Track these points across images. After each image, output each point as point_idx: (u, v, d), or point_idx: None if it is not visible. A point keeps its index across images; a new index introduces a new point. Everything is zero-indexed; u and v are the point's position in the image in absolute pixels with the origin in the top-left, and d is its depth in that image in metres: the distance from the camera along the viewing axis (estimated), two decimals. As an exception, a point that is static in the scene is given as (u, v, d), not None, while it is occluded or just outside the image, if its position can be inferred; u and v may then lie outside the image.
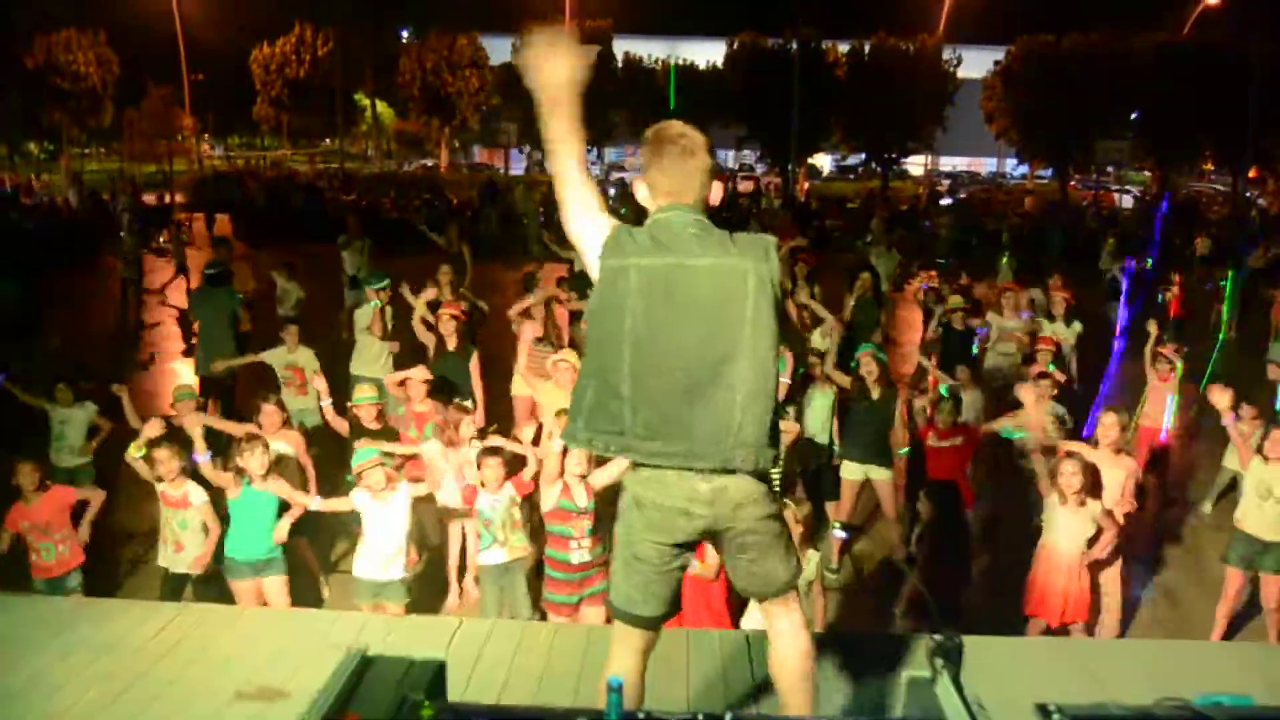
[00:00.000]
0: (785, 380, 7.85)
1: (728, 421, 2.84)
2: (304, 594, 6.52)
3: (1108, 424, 6.67)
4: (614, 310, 2.87)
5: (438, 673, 2.30)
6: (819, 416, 8.16)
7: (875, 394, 7.73)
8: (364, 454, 5.99)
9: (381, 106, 55.57)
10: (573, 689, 4.25)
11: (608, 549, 5.68)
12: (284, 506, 6.02)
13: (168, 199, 29.67)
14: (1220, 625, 6.72)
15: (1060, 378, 9.18)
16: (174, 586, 6.09)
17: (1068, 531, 6.01)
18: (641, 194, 3.08)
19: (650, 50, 40.75)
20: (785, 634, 3.19)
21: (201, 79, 46.48)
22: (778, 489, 3.00)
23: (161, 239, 26.36)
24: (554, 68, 3.05)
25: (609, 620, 3.49)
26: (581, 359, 2.97)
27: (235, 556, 5.95)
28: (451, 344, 8.60)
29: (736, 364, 2.84)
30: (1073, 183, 42.06)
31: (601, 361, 2.91)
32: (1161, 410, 9.01)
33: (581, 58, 3.07)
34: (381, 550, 5.91)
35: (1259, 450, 6.57)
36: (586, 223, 2.99)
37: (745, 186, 40.32)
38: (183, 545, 6.09)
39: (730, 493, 2.92)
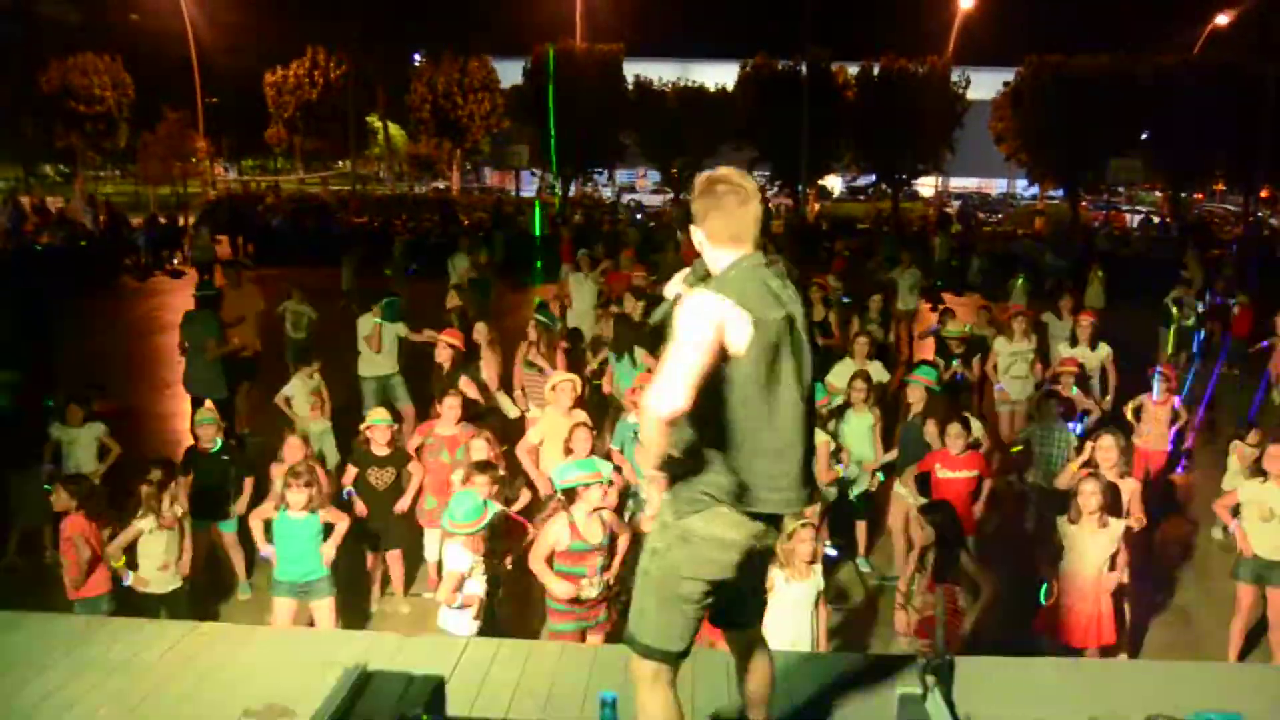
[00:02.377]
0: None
1: (809, 468, 3.05)
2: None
3: (1105, 447, 6.70)
4: (757, 365, 2.91)
5: (437, 690, 2.35)
6: (860, 438, 8.18)
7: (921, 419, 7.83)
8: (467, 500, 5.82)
9: (393, 129, 55.90)
10: (578, 710, 4.27)
11: (616, 580, 5.72)
12: (329, 528, 6.12)
13: (181, 221, 29.88)
14: (1236, 641, 6.71)
15: (1086, 403, 9.21)
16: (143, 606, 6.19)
17: (1088, 552, 6.00)
18: (698, 238, 3.12)
19: (661, 73, 40.90)
20: (763, 657, 3.45)
21: (216, 102, 46.92)
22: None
23: (175, 260, 26.63)
24: None
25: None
26: (726, 424, 2.94)
27: (278, 577, 6.05)
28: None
29: (813, 411, 3.07)
30: (1084, 203, 42.00)
31: (736, 415, 2.95)
32: (1158, 432, 8.98)
33: None
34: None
35: (1257, 471, 6.58)
36: (708, 345, 2.84)
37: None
38: (169, 565, 6.23)
39: (772, 533, 3.14)
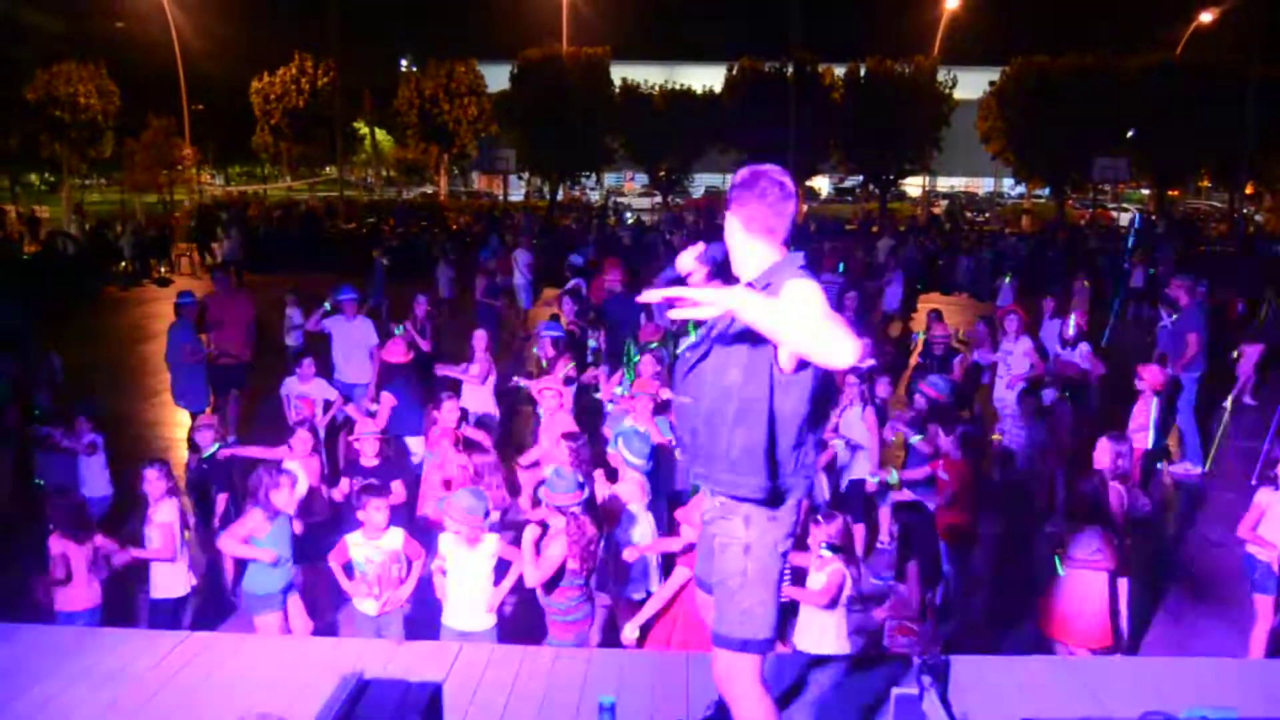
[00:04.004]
0: None
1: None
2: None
3: (1099, 450, 6.73)
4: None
5: (433, 697, 2.34)
6: (851, 426, 8.18)
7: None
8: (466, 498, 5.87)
9: (380, 135, 55.82)
10: (574, 714, 4.27)
11: (573, 606, 5.69)
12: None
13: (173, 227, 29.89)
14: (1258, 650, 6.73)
15: None
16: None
17: (1083, 553, 6.01)
18: (733, 227, 3.18)
19: (647, 76, 40.95)
20: None
21: (201, 109, 46.78)
22: None
23: (162, 269, 26.55)
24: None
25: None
26: (786, 413, 3.06)
27: (254, 590, 5.87)
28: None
29: None
30: (1070, 201, 42.17)
31: (813, 410, 3.11)
32: (1142, 423, 9.00)
33: None
34: (467, 599, 5.79)
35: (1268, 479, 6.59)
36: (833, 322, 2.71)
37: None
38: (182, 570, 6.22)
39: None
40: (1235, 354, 12.28)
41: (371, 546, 5.86)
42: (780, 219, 3.09)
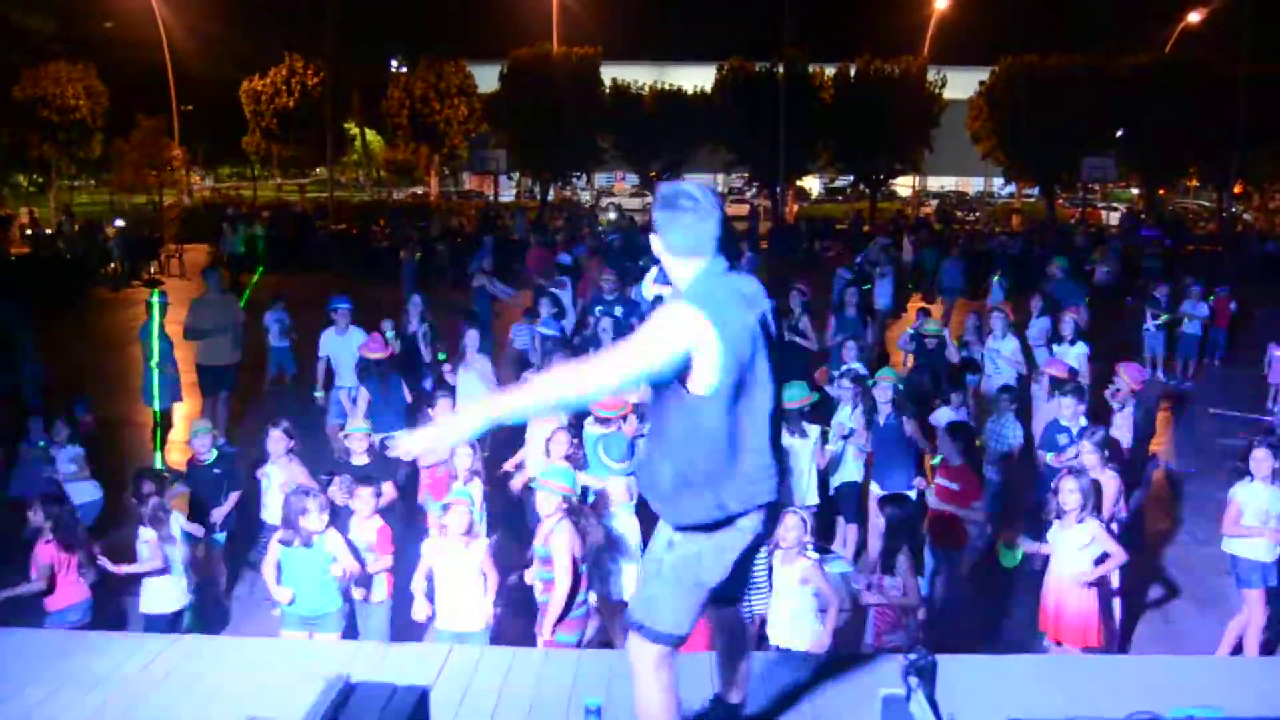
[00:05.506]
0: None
1: (782, 458, 3.29)
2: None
3: (1085, 449, 6.77)
4: (737, 370, 3.04)
5: (420, 700, 2.34)
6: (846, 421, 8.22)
7: (892, 417, 7.86)
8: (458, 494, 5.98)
9: (371, 135, 55.68)
10: (563, 717, 4.26)
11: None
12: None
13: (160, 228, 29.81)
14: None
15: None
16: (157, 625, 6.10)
17: (1067, 550, 6.04)
18: (657, 248, 3.24)
19: (637, 76, 40.95)
20: (742, 635, 3.69)
21: (191, 110, 46.62)
22: None
23: (151, 269, 26.47)
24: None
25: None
26: (717, 436, 3.08)
27: (288, 610, 5.86)
28: None
29: (776, 405, 3.22)
30: (1059, 200, 42.29)
31: (724, 421, 3.08)
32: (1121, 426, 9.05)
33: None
34: (460, 601, 5.81)
35: (1243, 473, 6.63)
36: (670, 344, 2.99)
37: (738, 210, 40.47)
38: (178, 583, 6.16)
39: (763, 525, 3.27)
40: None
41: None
42: (702, 238, 3.12)
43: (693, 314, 2.97)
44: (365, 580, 6.09)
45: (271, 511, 6.88)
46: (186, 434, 8.37)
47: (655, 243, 3.23)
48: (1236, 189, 42.81)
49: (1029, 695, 4.37)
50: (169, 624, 6.18)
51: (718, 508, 3.11)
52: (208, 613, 6.97)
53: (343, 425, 9.71)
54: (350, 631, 6.02)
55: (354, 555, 5.89)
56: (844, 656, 5.38)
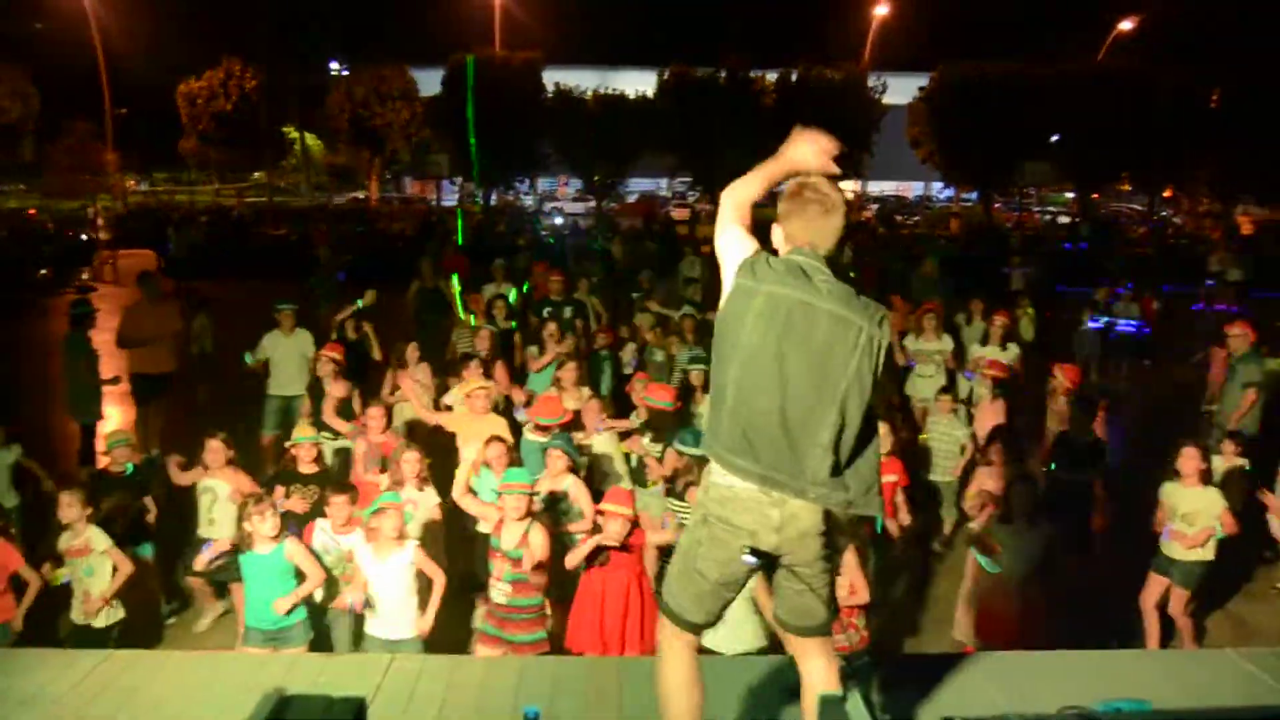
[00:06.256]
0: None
1: (808, 459, 3.03)
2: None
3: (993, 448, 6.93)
4: (735, 324, 3.08)
5: (358, 711, 2.31)
6: None
7: None
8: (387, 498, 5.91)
9: (310, 139, 55.07)
10: (505, 723, 4.26)
11: (541, 604, 5.70)
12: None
13: (95, 235, 29.15)
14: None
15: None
16: (88, 642, 5.90)
17: (1010, 551, 6.12)
18: (777, 239, 3.27)
19: (580, 81, 40.96)
20: (818, 674, 3.33)
21: (125, 113, 45.77)
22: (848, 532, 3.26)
23: (85, 275, 25.92)
24: (809, 155, 3.35)
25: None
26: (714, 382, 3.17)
27: (250, 624, 5.72)
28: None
29: (828, 411, 3.02)
30: (997, 205, 43.01)
31: (717, 369, 3.14)
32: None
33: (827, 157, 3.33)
34: (392, 607, 5.74)
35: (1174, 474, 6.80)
36: (737, 239, 3.25)
37: (680, 214, 40.61)
38: (91, 594, 5.98)
39: (801, 521, 3.09)
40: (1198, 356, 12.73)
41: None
42: (823, 233, 3.23)
43: (742, 253, 3.17)
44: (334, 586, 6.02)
45: (219, 526, 6.74)
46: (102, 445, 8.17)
47: (775, 232, 3.27)
48: (1166, 193, 43.88)
49: (964, 693, 4.44)
50: (98, 638, 6.04)
51: (706, 443, 3.20)
52: (140, 626, 6.83)
53: (278, 436, 9.64)
54: (319, 643, 5.92)
55: (318, 564, 5.82)
56: (781, 659, 5.42)
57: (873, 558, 7.10)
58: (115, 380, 10.31)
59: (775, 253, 3.22)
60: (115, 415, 10.95)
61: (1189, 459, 6.70)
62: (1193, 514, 6.66)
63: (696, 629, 3.30)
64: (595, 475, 7.48)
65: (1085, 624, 7.50)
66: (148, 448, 10.12)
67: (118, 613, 6.14)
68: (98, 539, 6.00)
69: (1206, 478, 6.76)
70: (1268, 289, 21.14)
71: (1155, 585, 6.92)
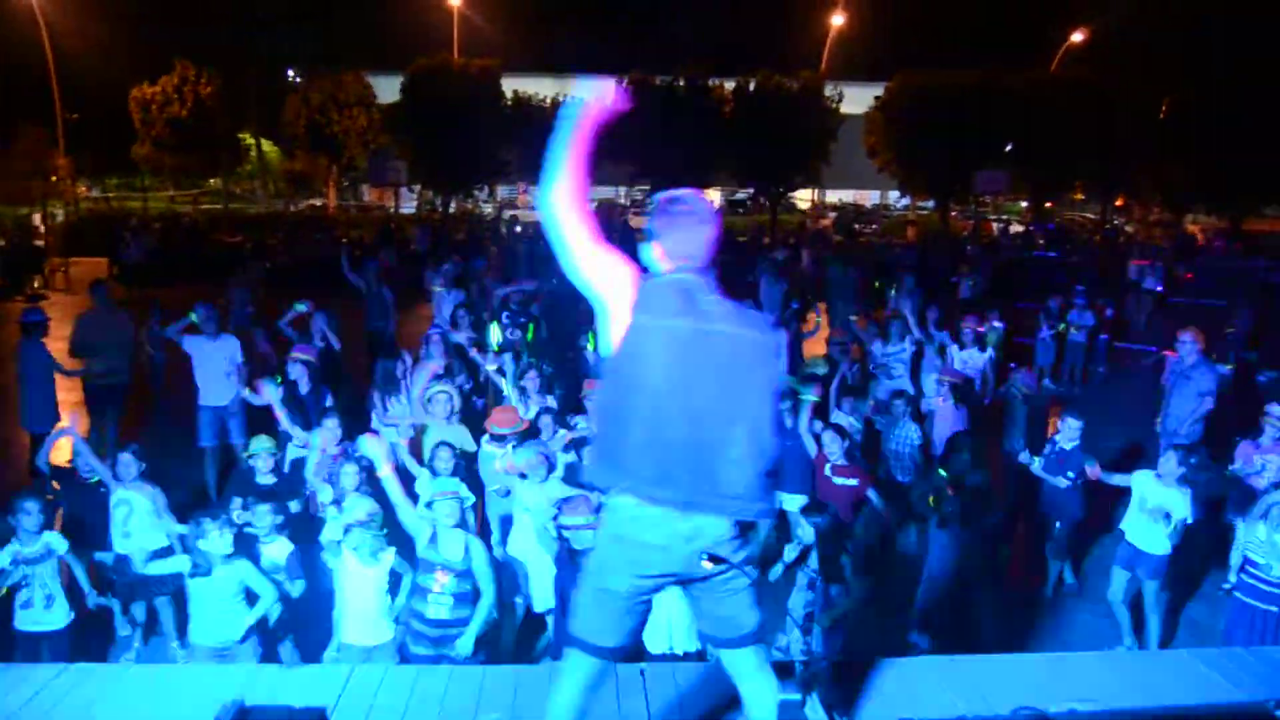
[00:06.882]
0: None
1: (725, 477, 3.09)
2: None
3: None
4: (638, 362, 3.10)
5: (319, 722, 2.31)
6: None
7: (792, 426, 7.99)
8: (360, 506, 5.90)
9: (267, 145, 54.50)
10: (466, 733, 4.25)
11: (472, 613, 5.69)
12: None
13: (41, 242, 28.67)
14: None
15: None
16: (35, 650, 5.87)
17: (952, 555, 6.23)
18: (653, 255, 3.27)
19: (539, 88, 40.89)
20: (757, 697, 3.34)
21: (77, 118, 45.03)
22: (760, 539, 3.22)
23: (35, 284, 25.50)
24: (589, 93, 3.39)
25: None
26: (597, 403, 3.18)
27: (194, 641, 5.66)
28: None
29: (738, 427, 3.09)
30: (953, 213, 43.46)
31: (619, 407, 3.13)
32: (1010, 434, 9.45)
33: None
34: (365, 613, 5.71)
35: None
36: (609, 266, 3.20)
37: (638, 222, 40.64)
38: (54, 599, 5.93)
39: (708, 533, 3.13)
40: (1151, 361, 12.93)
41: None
42: (699, 247, 3.25)
43: (631, 289, 3.11)
44: (285, 601, 5.98)
45: (134, 539, 6.65)
46: (67, 454, 8.04)
47: (650, 250, 3.26)
48: (1118, 202, 44.57)
49: (920, 695, 4.49)
50: (38, 643, 5.97)
51: (608, 481, 3.17)
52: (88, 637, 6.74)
53: (217, 446, 9.55)
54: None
55: (268, 580, 5.77)
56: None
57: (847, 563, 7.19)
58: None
59: (645, 270, 3.26)
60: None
61: (1170, 460, 6.96)
62: (1158, 510, 6.87)
63: (608, 654, 3.30)
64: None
65: (1046, 625, 7.67)
66: (103, 458, 9.99)
67: (60, 618, 6.09)
68: (56, 542, 5.96)
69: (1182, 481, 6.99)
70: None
71: (1120, 579, 7.11)
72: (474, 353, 10.26)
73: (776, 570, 6.19)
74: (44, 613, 5.96)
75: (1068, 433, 8.05)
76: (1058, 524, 8.07)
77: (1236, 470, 7.95)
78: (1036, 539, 8.84)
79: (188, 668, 5.62)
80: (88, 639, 6.44)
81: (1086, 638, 7.37)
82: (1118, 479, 7.31)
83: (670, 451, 3.07)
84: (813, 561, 5.96)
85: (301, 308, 10.90)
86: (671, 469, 3.08)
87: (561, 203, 3.26)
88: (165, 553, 6.50)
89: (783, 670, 4.24)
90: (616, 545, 3.20)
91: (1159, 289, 20.60)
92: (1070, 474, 7.89)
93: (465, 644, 5.52)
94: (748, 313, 3.24)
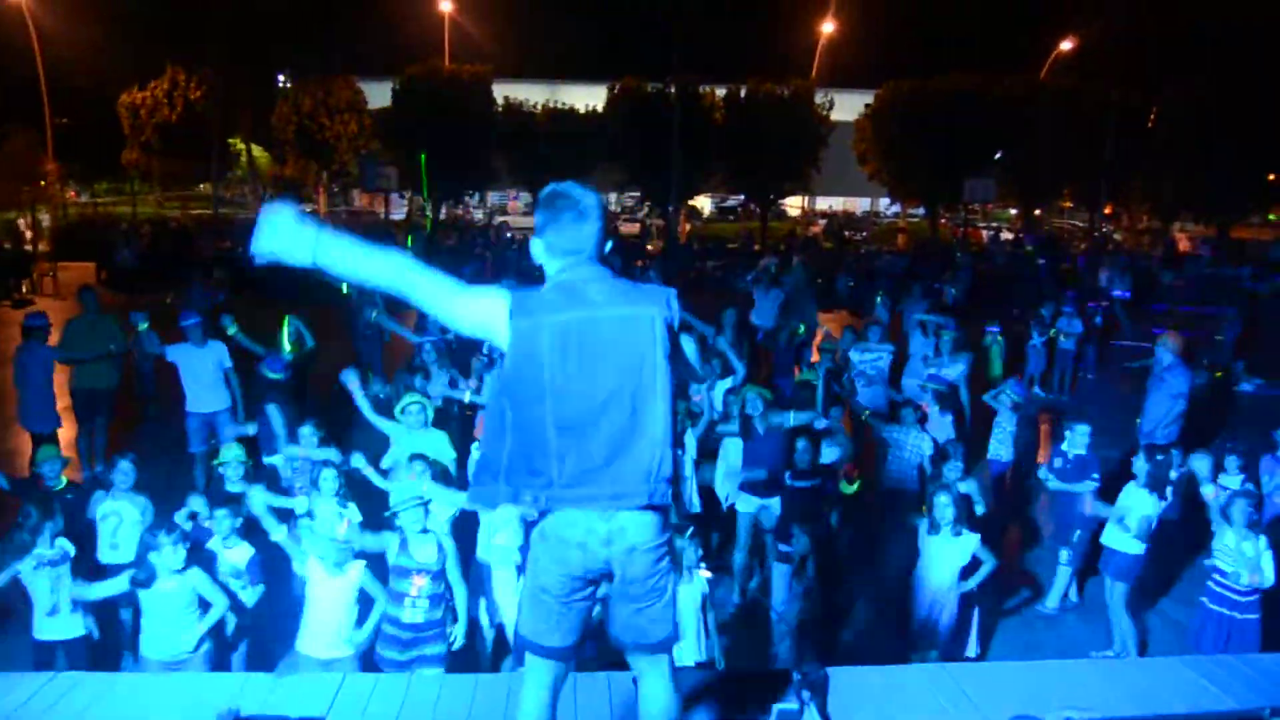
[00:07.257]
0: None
1: (649, 462, 3.02)
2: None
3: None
4: (530, 367, 3.00)
5: (316, 731, 2.31)
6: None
7: (760, 432, 7.96)
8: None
9: (257, 151, 54.39)
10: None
11: (447, 613, 5.70)
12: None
13: (30, 247, 28.53)
14: None
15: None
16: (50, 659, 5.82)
17: (939, 561, 6.24)
18: (537, 250, 3.20)
19: (530, 95, 40.93)
20: (655, 693, 3.32)
21: (66, 123, 44.88)
22: (675, 541, 3.10)
23: (23, 288, 25.39)
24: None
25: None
26: (487, 419, 3.11)
27: (146, 654, 5.58)
28: None
29: (651, 407, 3.02)
30: (943, 220, 43.61)
31: (520, 418, 3.03)
32: (1001, 442, 9.45)
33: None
34: (324, 625, 5.67)
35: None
36: (474, 303, 3.07)
37: (630, 229, 40.70)
38: (59, 608, 5.89)
39: (628, 535, 3.06)
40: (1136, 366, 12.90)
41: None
42: (582, 240, 3.16)
43: (502, 303, 3.02)
44: (239, 610, 5.95)
45: (122, 551, 6.60)
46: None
47: (534, 245, 3.20)
48: (1107, 209, 44.76)
49: (917, 703, 4.50)
50: (54, 650, 5.92)
51: (501, 497, 3.10)
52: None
53: (206, 452, 9.49)
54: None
55: (223, 590, 5.73)
56: (738, 673, 5.46)
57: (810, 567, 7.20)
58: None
59: (540, 269, 3.22)
60: (63, 432, 10.75)
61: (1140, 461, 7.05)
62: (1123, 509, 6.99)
63: (557, 654, 3.26)
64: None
65: (1027, 632, 7.69)
66: (91, 465, 9.98)
67: (76, 627, 6.04)
68: (71, 547, 5.93)
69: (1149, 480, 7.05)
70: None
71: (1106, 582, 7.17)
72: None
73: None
74: (69, 618, 5.90)
75: (1078, 440, 8.04)
76: (1077, 533, 7.91)
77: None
78: (1027, 548, 8.89)
79: (179, 676, 5.58)
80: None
81: (1072, 644, 7.40)
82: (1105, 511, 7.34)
83: (587, 449, 3.01)
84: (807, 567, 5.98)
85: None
86: (593, 469, 3.02)
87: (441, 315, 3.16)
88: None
89: (781, 680, 4.26)
90: (543, 543, 3.15)
91: (1127, 296, 20.69)
92: (1094, 475, 7.88)
93: (458, 631, 5.66)
94: (640, 288, 3.15)
